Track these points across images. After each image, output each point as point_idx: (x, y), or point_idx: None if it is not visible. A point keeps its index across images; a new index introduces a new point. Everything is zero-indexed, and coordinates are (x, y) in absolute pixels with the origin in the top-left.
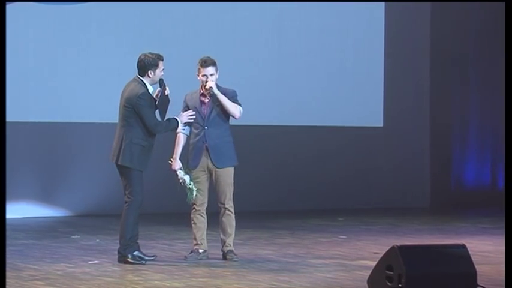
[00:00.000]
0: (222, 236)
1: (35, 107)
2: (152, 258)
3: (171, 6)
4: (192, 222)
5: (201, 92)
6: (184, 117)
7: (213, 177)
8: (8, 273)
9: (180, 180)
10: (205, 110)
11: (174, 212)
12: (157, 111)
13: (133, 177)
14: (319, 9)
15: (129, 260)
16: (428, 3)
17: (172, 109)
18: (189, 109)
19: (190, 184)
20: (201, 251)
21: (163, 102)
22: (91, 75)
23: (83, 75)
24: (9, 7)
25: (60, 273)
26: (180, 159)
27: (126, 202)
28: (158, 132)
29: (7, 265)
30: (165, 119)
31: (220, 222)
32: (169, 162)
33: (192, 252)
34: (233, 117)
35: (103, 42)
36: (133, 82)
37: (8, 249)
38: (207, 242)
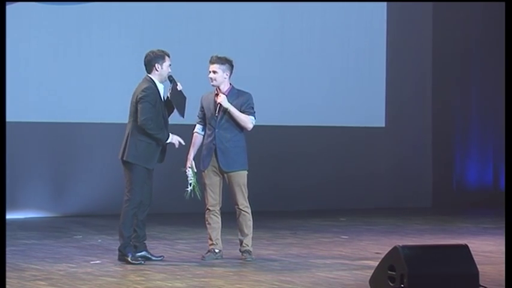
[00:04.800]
0: (239, 236)
1: (38, 107)
2: (159, 258)
3: (173, 6)
4: (207, 222)
5: (216, 92)
6: (176, 139)
7: (226, 179)
8: (10, 274)
9: (188, 178)
10: (219, 113)
11: (176, 213)
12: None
13: (136, 175)
14: (321, 10)
15: (129, 259)
16: (430, 4)
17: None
18: (203, 109)
19: (191, 180)
20: (217, 250)
21: (177, 98)
22: (94, 75)
23: (86, 75)
24: (11, 7)
25: (63, 273)
26: (194, 159)
27: (124, 200)
28: (146, 128)
29: (9, 265)
30: (184, 116)
31: (237, 223)
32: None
33: (208, 252)
34: (246, 129)
35: (105, 43)
36: (142, 81)
37: (10, 249)
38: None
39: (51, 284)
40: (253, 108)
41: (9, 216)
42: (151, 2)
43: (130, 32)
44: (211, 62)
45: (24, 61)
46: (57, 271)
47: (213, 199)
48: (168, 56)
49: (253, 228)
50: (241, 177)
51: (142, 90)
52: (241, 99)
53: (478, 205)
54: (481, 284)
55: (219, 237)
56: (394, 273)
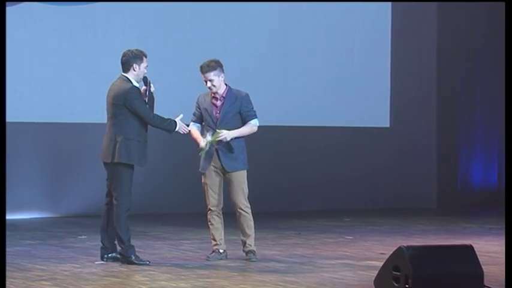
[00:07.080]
0: (241, 237)
1: (38, 107)
2: (146, 262)
3: (176, 6)
4: (209, 223)
5: (213, 94)
6: (183, 128)
7: (226, 179)
8: (15, 274)
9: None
10: (217, 114)
11: (180, 213)
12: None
13: (126, 176)
14: (325, 10)
15: (133, 260)
16: (435, 3)
17: (167, 108)
18: (200, 109)
19: (206, 144)
20: (221, 250)
21: (150, 99)
22: (95, 75)
23: (87, 75)
24: (13, 7)
25: (67, 274)
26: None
27: (114, 205)
28: (154, 124)
29: (14, 265)
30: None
31: (238, 224)
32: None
33: (213, 252)
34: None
35: (107, 43)
36: (118, 80)
37: (14, 249)
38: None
39: (55, 284)
40: (253, 108)
41: (14, 216)
42: (155, 3)
43: (133, 33)
44: (203, 72)
45: (25, 61)
46: (62, 271)
47: (215, 199)
48: (146, 57)
49: (256, 228)
50: (242, 177)
51: (129, 92)
52: (239, 102)
53: (482, 206)
54: (486, 285)
55: (222, 237)
56: (398, 273)
